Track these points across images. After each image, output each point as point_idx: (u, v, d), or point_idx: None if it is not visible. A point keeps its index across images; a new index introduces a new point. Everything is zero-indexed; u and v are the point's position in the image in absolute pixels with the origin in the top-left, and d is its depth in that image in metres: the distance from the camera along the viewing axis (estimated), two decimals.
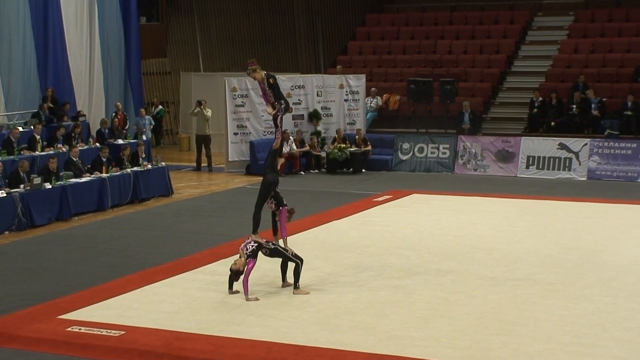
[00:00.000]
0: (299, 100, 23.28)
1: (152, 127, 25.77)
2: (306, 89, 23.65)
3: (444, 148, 22.62)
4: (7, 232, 15.08)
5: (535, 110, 23.38)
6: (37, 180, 15.94)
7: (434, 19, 28.37)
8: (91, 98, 24.80)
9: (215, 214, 16.81)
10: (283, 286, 11.21)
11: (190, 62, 30.44)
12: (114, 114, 23.66)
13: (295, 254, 11.05)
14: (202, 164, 23.06)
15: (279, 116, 11.12)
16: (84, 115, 23.30)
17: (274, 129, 11.38)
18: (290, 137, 21.99)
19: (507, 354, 8.82)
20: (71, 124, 21.40)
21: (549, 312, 10.18)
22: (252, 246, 10.82)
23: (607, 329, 9.60)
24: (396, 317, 10.02)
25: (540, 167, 21.67)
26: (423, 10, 29.08)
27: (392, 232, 14.88)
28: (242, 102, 22.85)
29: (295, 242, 12.48)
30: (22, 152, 18.56)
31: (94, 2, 24.67)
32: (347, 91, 24.06)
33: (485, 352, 8.86)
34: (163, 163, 19.22)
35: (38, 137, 19.43)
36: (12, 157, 17.93)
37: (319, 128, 23.60)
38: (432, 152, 22.76)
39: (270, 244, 11.00)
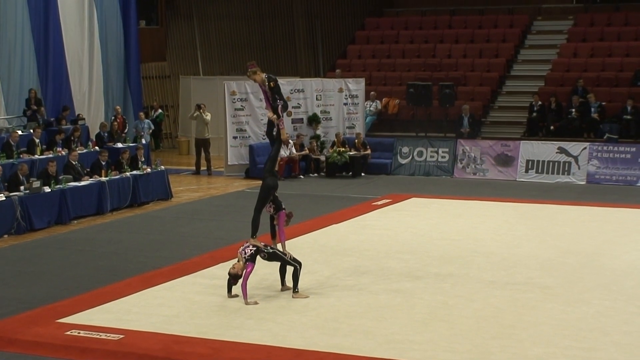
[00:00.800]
0: (298, 104, 23.29)
1: (151, 131, 25.78)
2: (305, 92, 23.66)
3: (443, 152, 22.63)
4: (6, 236, 15.07)
5: (534, 114, 23.39)
6: (36, 183, 15.93)
7: (434, 23, 28.39)
8: (90, 102, 24.83)
9: (214, 218, 16.81)
10: (282, 290, 11.20)
11: (190, 65, 30.45)
12: (113, 118, 23.70)
13: (293, 257, 11.04)
14: (202, 168, 23.05)
15: (278, 106, 11.06)
16: (84, 119, 23.32)
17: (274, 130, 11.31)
18: (290, 141, 21.98)
19: (507, 358, 8.81)
20: (70, 127, 21.40)
21: (548, 316, 10.18)
22: (251, 250, 10.81)
23: (607, 332, 9.59)
24: (395, 320, 10.01)
25: (540, 171, 21.67)
26: (422, 14, 29.11)
27: (391, 236, 14.88)
28: (241, 105, 22.85)
29: (295, 246, 12.49)
30: (21, 156, 18.58)
31: (94, 6, 24.72)
32: (346, 95, 24.07)
33: (484, 356, 8.86)
34: (162, 167, 19.21)
35: (37, 140, 19.45)
36: (11, 160, 17.94)
37: (318, 132, 23.61)
38: (431, 156, 22.76)
39: (268, 247, 11.00)
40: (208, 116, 23.19)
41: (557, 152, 21.58)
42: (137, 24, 26.82)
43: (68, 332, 9.58)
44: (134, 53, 26.22)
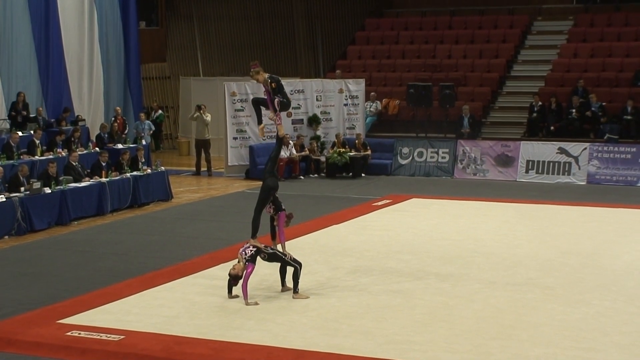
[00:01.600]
0: (298, 104, 23.28)
1: (151, 131, 25.79)
2: (306, 93, 23.67)
3: (443, 152, 22.63)
4: (6, 237, 15.07)
5: (534, 114, 23.38)
6: (36, 184, 15.94)
7: (434, 23, 28.39)
8: (90, 103, 24.84)
9: (214, 219, 16.81)
10: (282, 290, 11.20)
11: (190, 66, 30.47)
12: (113, 119, 23.71)
13: (293, 258, 11.04)
14: (202, 169, 23.06)
15: (276, 100, 11.07)
16: (84, 120, 23.34)
17: (273, 133, 11.36)
18: (290, 141, 21.99)
19: (507, 358, 8.81)
20: (71, 128, 21.41)
21: (548, 317, 10.18)
22: (251, 251, 10.81)
23: (607, 333, 9.59)
24: (396, 321, 10.01)
25: (540, 171, 21.67)
26: (422, 14, 29.11)
27: (391, 236, 14.88)
28: (241, 106, 22.86)
29: (295, 247, 12.50)
30: (21, 157, 18.58)
31: (94, 7, 24.73)
32: (346, 96, 24.08)
33: (484, 356, 8.86)
34: (162, 167, 19.22)
35: (37, 141, 19.46)
36: (11, 161, 17.95)
37: (318, 132, 23.62)
38: (431, 157, 22.76)
39: (268, 248, 11.00)
40: (208, 117, 23.20)
41: (557, 153, 21.59)
42: (137, 24, 26.83)
43: (68, 333, 9.58)
44: (134, 54, 26.23)
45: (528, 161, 21.83)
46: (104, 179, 17.47)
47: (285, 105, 11.30)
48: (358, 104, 24.19)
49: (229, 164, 22.87)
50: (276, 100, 11.10)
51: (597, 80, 24.37)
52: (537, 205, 18.06)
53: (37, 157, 19.00)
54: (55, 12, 23.27)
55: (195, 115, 23.34)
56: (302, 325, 9.85)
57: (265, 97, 11.31)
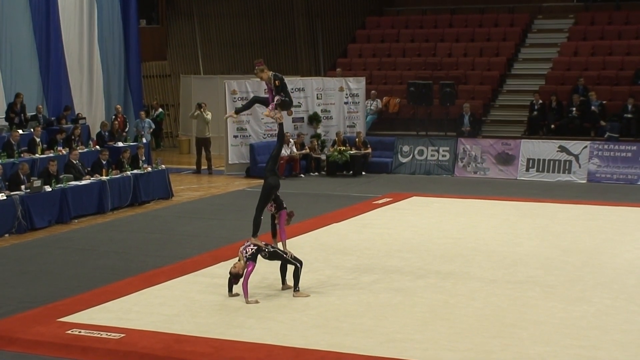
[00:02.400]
0: (299, 103, 23.25)
1: (152, 130, 25.79)
2: (306, 91, 23.66)
3: (443, 151, 22.63)
4: (7, 235, 15.08)
5: (535, 112, 23.37)
6: (37, 183, 15.93)
7: (434, 21, 28.38)
8: (91, 101, 24.84)
9: (215, 217, 16.81)
10: (283, 289, 11.20)
11: (190, 64, 30.46)
12: (113, 117, 23.70)
13: (294, 256, 11.04)
14: (202, 167, 23.05)
15: (277, 98, 11.07)
16: (84, 118, 23.34)
17: (274, 132, 11.38)
18: (291, 139, 21.99)
19: (508, 357, 8.81)
20: (71, 126, 21.41)
21: (549, 315, 10.18)
22: (252, 249, 10.81)
23: (608, 331, 9.59)
24: (396, 319, 10.01)
25: (540, 169, 21.67)
26: (423, 13, 29.09)
27: (392, 234, 14.88)
28: (242, 104, 22.78)
29: (295, 245, 12.49)
30: (22, 155, 18.58)
31: (94, 5, 24.72)
32: (347, 94, 24.07)
33: (485, 355, 8.86)
34: (163, 166, 19.22)
35: (38, 139, 19.47)
36: (12, 159, 17.95)
37: (319, 131, 23.61)
38: (432, 155, 22.76)
39: (269, 246, 11.00)
40: (209, 115, 23.20)
41: (557, 151, 21.59)
42: (138, 23, 26.82)
43: (69, 331, 9.58)
44: (134, 52, 26.22)
45: (528, 159, 21.83)
46: (104, 177, 17.47)
47: (287, 103, 11.33)
48: (358, 102, 24.18)
49: (230, 162, 22.87)
50: (277, 98, 11.10)
51: (598, 78, 24.37)
52: (538, 203, 18.07)
53: (37, 155, 19.00)
54: (56, 11, 23.26)
55: (195, 113, 23.34)
56: (303, 324, 9.86)
57: (266, 97, 11.32)
